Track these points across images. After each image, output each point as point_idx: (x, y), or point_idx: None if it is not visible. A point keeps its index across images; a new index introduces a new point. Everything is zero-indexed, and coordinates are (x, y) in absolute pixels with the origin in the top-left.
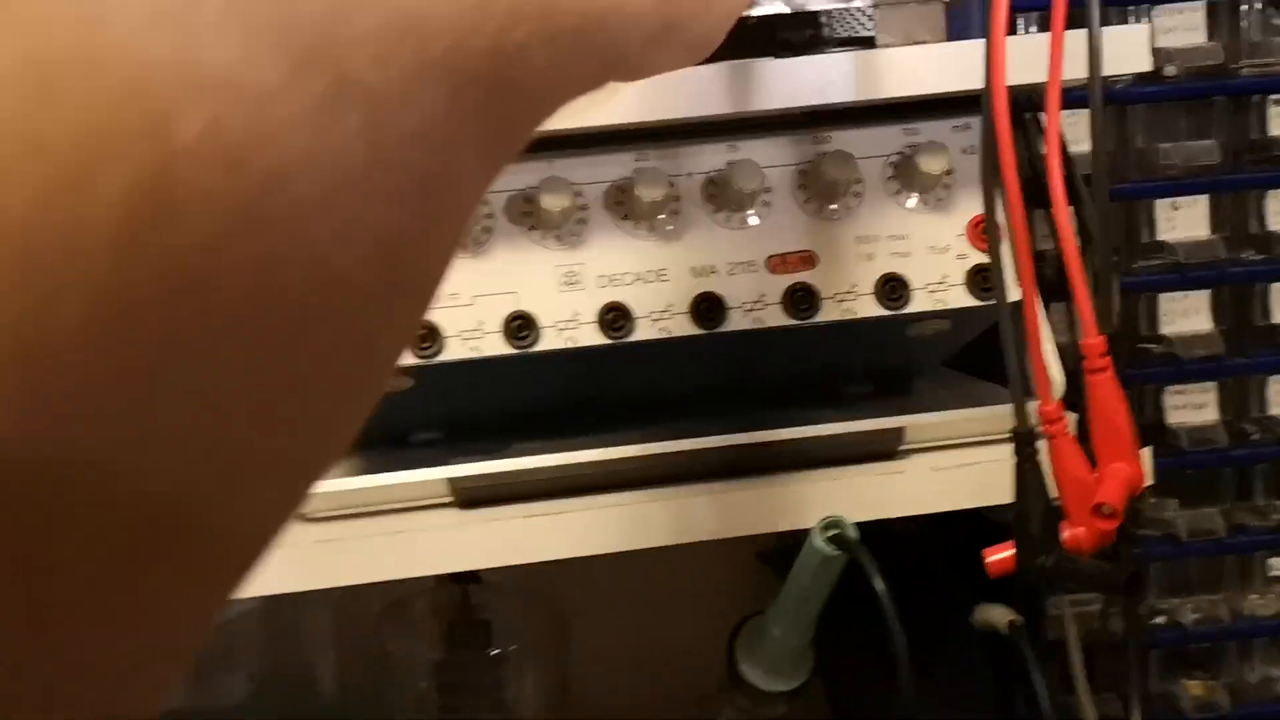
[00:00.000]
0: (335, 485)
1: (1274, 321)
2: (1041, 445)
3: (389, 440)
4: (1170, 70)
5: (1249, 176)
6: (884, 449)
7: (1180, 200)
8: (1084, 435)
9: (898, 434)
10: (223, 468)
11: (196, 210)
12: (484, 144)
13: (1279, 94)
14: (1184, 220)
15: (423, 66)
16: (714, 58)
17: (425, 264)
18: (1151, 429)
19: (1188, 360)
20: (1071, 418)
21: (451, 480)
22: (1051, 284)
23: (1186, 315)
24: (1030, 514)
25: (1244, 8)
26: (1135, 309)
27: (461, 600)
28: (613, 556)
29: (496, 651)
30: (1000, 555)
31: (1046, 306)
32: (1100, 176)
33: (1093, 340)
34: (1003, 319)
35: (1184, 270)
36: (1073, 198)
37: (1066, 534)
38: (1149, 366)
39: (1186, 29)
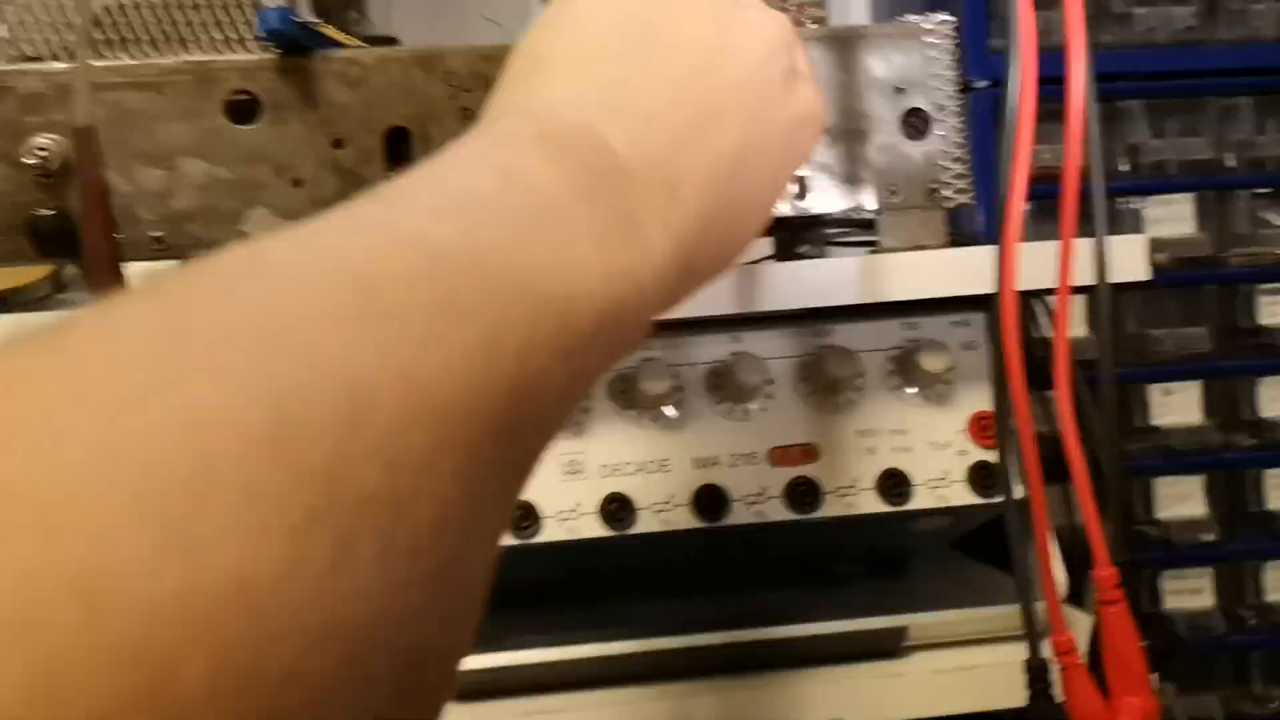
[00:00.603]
0: None
1: (1268, 507)
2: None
3: None
4: (1160, 258)
5: (1241, 364)
6: (886, 647)
7: (1173, 385)
8: (1095, 651)
9: (900, 633)
10: None
11: None
12: (504, 481)
13: (1268, 283)
14: (1177, 405)
15: (438, 448)
16: None
17: (455, 634)
18: (1148, 615)
19: (1183, 546)
20: (1083, 626)
21: None
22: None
23: (1181, 500)
24: None
25: (1232, 199)
26: (1130, 494)
27: None
28: None
29: None
30: None
31: None
32: (1107, 388)
33: (1105, 572)
34: (1012, 533)
35: (1177, 455)
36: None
37: None
38: (1145, 552)
39: (1176, 219)
